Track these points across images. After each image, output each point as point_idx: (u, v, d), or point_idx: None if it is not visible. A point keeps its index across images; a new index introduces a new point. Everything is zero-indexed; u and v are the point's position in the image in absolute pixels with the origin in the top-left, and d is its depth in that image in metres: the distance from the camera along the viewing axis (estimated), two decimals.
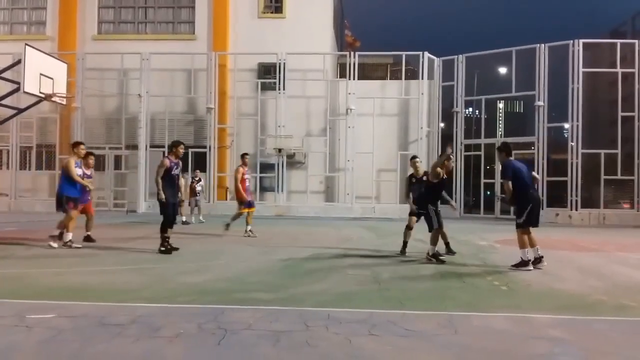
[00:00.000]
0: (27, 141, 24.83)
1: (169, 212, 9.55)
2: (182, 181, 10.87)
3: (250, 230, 12.77)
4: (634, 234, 16.98)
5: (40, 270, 7.55)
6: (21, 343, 4.09)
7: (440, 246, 9.43)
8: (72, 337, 4.21)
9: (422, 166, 10.39)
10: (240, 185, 12.54)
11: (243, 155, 13.25)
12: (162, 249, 9.44)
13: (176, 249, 9.69)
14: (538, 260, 8.20)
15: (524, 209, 8.16)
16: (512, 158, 8.43)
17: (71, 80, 20.29)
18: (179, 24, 26.71)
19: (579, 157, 21.73)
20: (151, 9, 26.86)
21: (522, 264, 8.12)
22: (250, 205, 12.84)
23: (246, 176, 12.80)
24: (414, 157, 10.44)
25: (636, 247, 12.63)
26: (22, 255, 9.24)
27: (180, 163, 9.94)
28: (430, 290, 6.63)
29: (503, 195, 8.66)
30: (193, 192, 17.93)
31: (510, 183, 8.12)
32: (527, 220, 8.17)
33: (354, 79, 23.92)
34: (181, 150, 9.80)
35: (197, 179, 18.49)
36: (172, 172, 9.57)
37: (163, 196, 9.34)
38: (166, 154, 9.84)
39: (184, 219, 16.51)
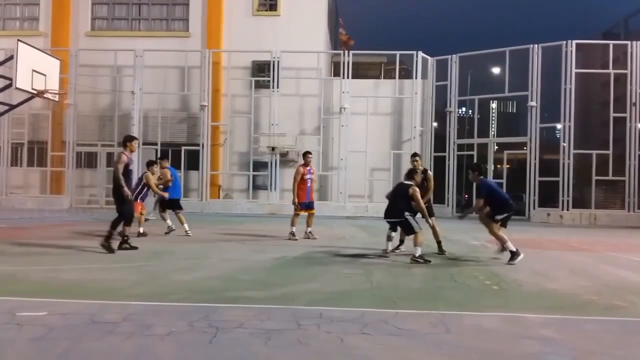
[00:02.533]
0: (19, 137, 24.68)
1: (127, 210, 9.31)
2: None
3: (310, 232, 12.07)
4: (624, 234, 17.09)
5: (31, 268, 7.51)
6: (12, 341, 4.07)
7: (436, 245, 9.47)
8: (63, 335, 4.19)
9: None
10: (296, 186, 11.88)
11: (304, 155, 12.32)
12: (105, 244, 9.02)
13: (135, 248, 9.47)
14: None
15: (504, 212, 9.02)
16: (482, 177, 9.35)
17: (64, 77, 20.23)
18: (172, 21, 26.61)
19: (570, 158, 21.85)
20: (145, 6, 26.75)
21: (514, 255, 8.68)
22: (307, 207, 12.09)
23: (307, 176, 11.93)
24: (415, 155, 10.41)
25: (626, 247, 12.71)
26: (13, 252, 9.19)
27: (133, 159, 9.69)
28: (422, 289, 6.65)
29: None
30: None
31: (482, 201, 9.01)
32: (502, 220, 9.02)
33: (347, 78, 23.91)
34: (135, 145, 9.79)
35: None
36: (130, 168, 9.37)
37: (128, 192, 9.11)
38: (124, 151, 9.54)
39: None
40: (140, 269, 7.58)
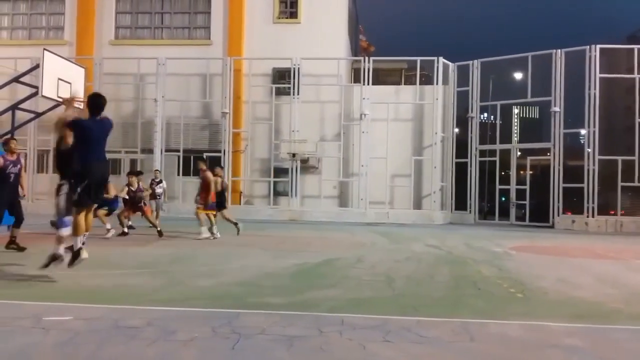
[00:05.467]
0: (45, 145, 25.07)
1: (16, 211, 9.60)
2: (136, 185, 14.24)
3: (206, 231, 13.18)
4: None
5: (55, 273, 7.61)
6: (38, 345, 4.13)
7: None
8: (88, 340, 4.24)
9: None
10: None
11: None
12: (10, 247, 9.54)
13: (23, 248, 9.62)
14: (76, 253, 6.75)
15: (78, 182, 6.61)
16: (99, 118, 6.98)
17: (88, 85, 20.54)
18: (194, 29, 26.88)
19: (595, 164, 21.50)
20: (167, 15, 27.07)
21: (54, 258, 6.73)
22: (211, 207, 13.57)
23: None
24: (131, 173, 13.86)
25: None
26: (38, 257, 9.31)
27: (20, 160, 9.72)
28: (445, 296, 6.59)
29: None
30: (153, 195, 15.98)
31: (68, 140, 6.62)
32: (82, 196, 6.64)
33: (368, 84, 23.88)
34: (12, 145, 9.59)
35: (157, 180, 16.69)
36: (8, 171, 9.38)
37: None
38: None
39: (129, 223, 14.35)
40: (161, 275, 7.64)
